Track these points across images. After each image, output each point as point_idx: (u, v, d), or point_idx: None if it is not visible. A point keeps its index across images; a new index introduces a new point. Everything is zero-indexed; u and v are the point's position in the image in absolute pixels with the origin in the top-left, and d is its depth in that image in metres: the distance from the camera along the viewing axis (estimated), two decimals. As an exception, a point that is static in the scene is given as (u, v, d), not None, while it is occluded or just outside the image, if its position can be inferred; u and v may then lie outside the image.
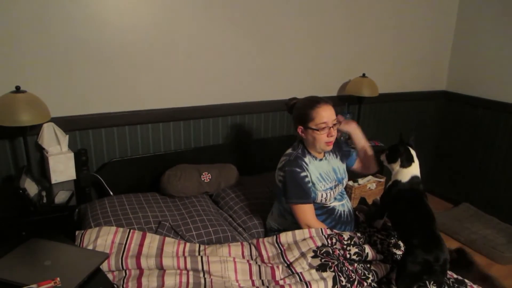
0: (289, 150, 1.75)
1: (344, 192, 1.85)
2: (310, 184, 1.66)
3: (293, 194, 1.63)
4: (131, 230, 1.61)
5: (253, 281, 1.45)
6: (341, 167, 1.83)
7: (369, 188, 2.70)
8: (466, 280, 1.57)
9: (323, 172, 1.72)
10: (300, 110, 1.69)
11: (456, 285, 1.52)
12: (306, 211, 1.65)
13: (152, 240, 1.58)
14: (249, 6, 2.22)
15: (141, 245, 1.55)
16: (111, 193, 1.92)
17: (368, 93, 2.61)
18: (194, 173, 2.00)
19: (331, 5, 2.52)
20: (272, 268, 1.49)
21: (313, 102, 1.66)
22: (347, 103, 2.83)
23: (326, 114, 1.62)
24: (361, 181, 2.71)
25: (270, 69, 2.42)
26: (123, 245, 1.53)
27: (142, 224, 1.71)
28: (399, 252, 1.66)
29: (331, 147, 1.69)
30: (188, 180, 1.96)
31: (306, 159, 1.69)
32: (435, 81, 3.32)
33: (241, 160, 2.33)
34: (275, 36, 2.37)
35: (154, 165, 2.08)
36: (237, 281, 1.44)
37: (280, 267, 1.51)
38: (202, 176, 2.02)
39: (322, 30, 2.54)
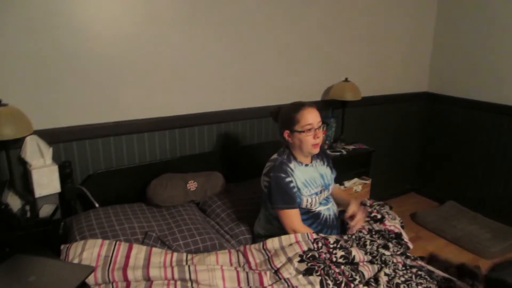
0: (275, 156, 1.77)
1: (330, 197, 1.87)
2: (295, 189, 1.67)
3: (279, 200, 1.65)
4: (117, 242, 1.60)
5: (241, 288, 1.45)
6: (328, 173, 1.86)
7: (355, 190, 2.73)
8: (453, 279, 1.60)
9: (309, 178, 1.74)
10: (285, 115, 1.71)
11: (445, 282, 1.55)
12: (292, 216, 1.66)
13: (138, 251, 1.58)
14: (232, 13, 2.24)
15: (127, 256, 1.55)
16: (97, 205, 1.91)
17: (351, 97, 2.65)
18: (180, 182, 2.00)
19: (312, 11, 2.56)
20: (260, 275, 1.50)
21: (298, 105, 1.69)
22: (331, 107, 2.87)
23: (311, 116, 1.66)
24: (347, 183, 2.74)
25: (254, 76, 2.44)
26: (109, 258, 1.52)
27: (129, 236, 1.71)
28: (387, 253, 1.68)
29: (318, 149, 1.71)
30: (174, 189, 1.96)
31: (292, 165, 1.71)
32: (417, 83, 3.39)
33: (227, 168, 2.34)
34: (258, 43, 2.39)
35: (140, 176, 2.07)
36: (225, 288, 1.44)
37: (268, 273, 1.52)
38: (188, 184, 2.02)
39: (304, 37, 2.58)
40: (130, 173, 2.07)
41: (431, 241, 2.88)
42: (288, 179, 1.66)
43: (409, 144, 3.53)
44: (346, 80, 2.71)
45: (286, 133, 1.71)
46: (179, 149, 2.27)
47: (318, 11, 2.59)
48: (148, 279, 1.44)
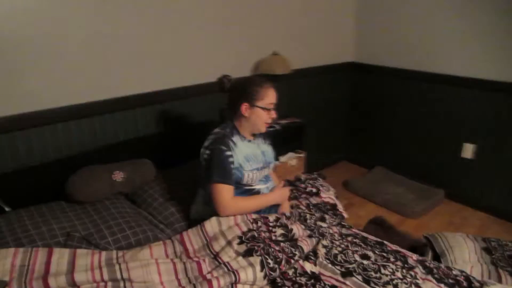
0: (217, 129, 1.72)
1: (270, 176, 1.85)
2: (233, 166, 1.62)
3: (216, 173, 1.59)
4: (34, 248, 1.43)
5: (179, 280, 1.37)
6: (269, 151, 1.84)
7: (290, 165, 2.75)
8: (384, 242, 1.67)
9: (251, 153, 1.71)
10: (249, 88, 1.65)
11: (377, 246, 1.61)
12: (224, 192, 1.59)
13: (60, 256, 1.42)
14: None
15: (48, 263, 1.38)
16: (7, 209, 1.68)
17: (281, 70, 2.61)
18: (103, 174, 1.83)
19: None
20: (198, 263, 1.43)
21: (263, 81, 1.68)
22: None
23: (274, 96, 1.68)
24: (282, 158, 2.75)
25: (178, 54, 2.29)
26: (26, 267, 1.35)
27: (48, 239, 1.52)
28: (324, 225, 1.72)
29: (265, 129, 1.72)
30: (97, 182, 1.79)
31: (234, 139, 1.68)
32: (343, 53, 3.46)
33: (157, 154, 2.20)
34: (181, 18, 2.23)
35: (57, 172, 1.85)
36: (161, 283, 1.35)
37: (207, 260, 1.46)
38: (113, 175, 1.85)
39: (229, 11, 2.46)
40: (44, 170, 1.84)
41: (363, 207, 3.03)
42: (228, 153, 1.60)
43: (338, 115, 3.63)
44: (274, 53, 2.67)
45: (244, 106, 1.64)
46: (100, 138, 2.07)
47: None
48: (74, 285, 1.30)
